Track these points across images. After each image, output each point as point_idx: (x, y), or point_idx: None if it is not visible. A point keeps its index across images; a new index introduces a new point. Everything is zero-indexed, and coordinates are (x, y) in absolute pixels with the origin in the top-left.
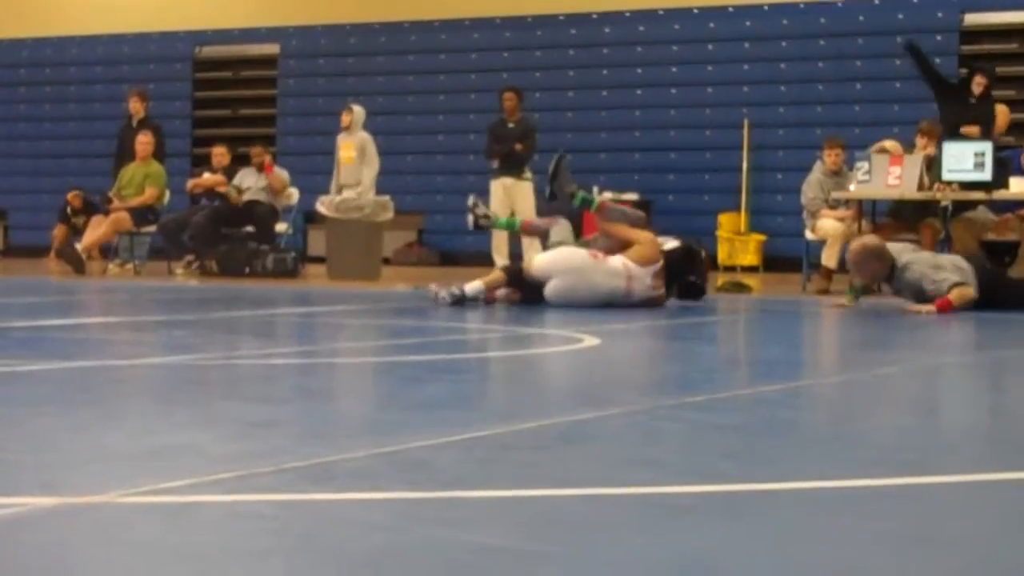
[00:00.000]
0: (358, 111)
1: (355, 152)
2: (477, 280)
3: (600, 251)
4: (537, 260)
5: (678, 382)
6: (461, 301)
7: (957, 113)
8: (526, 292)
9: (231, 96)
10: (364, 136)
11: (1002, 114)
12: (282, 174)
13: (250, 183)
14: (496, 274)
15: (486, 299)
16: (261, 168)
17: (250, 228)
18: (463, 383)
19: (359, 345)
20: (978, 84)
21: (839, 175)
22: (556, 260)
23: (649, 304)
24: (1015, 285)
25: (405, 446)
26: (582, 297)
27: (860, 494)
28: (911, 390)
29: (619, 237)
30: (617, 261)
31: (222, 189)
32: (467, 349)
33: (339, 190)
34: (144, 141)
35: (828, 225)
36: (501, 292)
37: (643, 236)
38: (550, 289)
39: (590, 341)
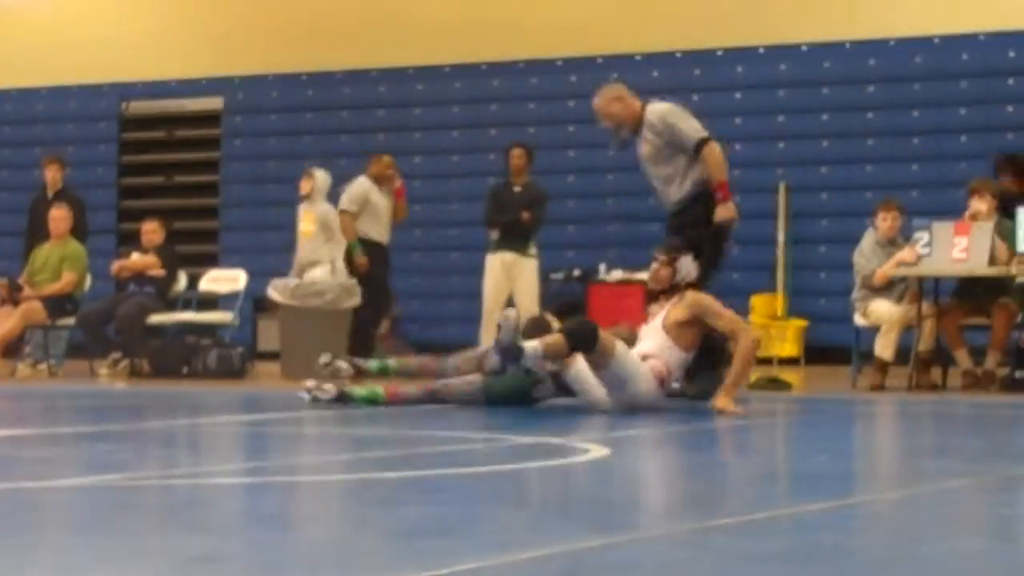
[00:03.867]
0: (320, 177)
1: (315, 225)
2: (535, 341)
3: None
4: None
5: (703, 501)
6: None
7: None
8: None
9: (165, 160)
10: (327, 208)
11: None
12: None
13: (374, 215)
14: (557, 338)
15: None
16: (384, 185)
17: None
18: (446, 505)
19: (320, 460)
20: None
21: (895, 245)
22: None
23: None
24: None
25: None
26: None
27: None
28: (986, 507)
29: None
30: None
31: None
32: (451, 463)
33: (300, 272)
34: (60, 216)
35: (882, 309)
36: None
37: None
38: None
39: (597, 451)
